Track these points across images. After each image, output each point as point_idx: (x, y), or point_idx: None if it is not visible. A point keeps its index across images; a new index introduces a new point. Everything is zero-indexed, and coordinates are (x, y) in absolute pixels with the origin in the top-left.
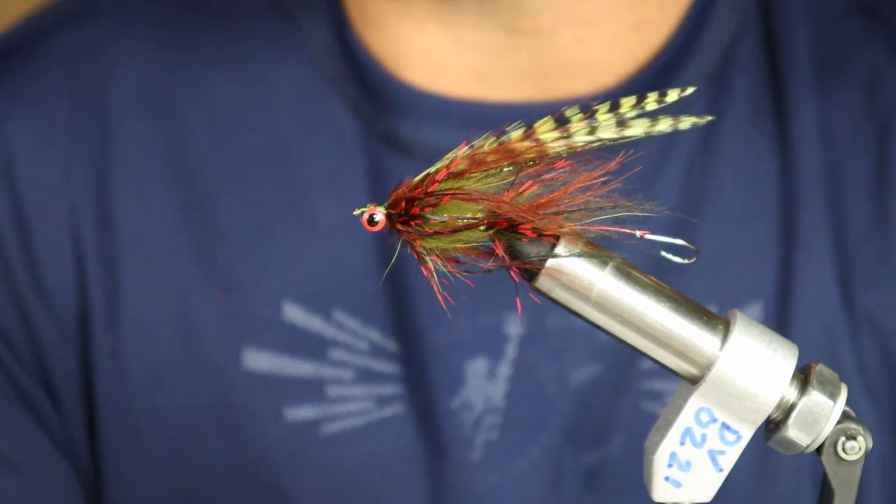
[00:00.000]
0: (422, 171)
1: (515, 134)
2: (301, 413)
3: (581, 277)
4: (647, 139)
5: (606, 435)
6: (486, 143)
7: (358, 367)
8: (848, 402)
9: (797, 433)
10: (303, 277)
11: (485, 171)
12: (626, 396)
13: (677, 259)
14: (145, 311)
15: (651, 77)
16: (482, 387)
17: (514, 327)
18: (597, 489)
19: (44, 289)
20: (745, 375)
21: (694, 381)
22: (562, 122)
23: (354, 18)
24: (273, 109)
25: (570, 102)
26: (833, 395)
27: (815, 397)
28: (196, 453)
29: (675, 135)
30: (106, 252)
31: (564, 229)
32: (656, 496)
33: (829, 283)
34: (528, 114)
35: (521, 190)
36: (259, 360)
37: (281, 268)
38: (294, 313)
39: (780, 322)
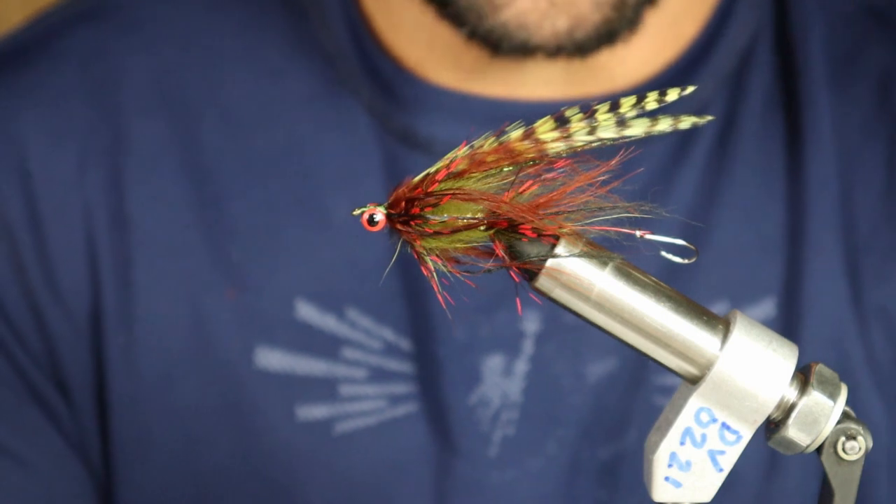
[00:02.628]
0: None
1: (515, 134)
2: (314, 412)
3: (581, 277)
4: (664, 139)
5: (621, 429)
6: (486, 143)
7: (371, 365)
8: (857, 397)
9: (797, 433)
10: (316, 276)
11: (485, 171)
12: (640, 391)
13: (678, 259)
14: (158, 309)
15: (670, 79)
16: (499, 383)
17: (530, 324)
18: (610, 483)
19: (57, 286)
20: (745, 375)
21: (694, 381)
22: (562, 121)
23: (378, 22)
24: (286, 108)
25: (591, 99)
26: (833, 395)
27: (815, 397)
28: (207, 452)
29: (691, 135)
30: (119, 250)
31: (564, 229)
32: (656, 496)
33: (838, 278)
34: (549, 111)
35: (521, 190)
36: (272, 359)
37: (294, 266)
38: (307, 312)
39: (790, 318)
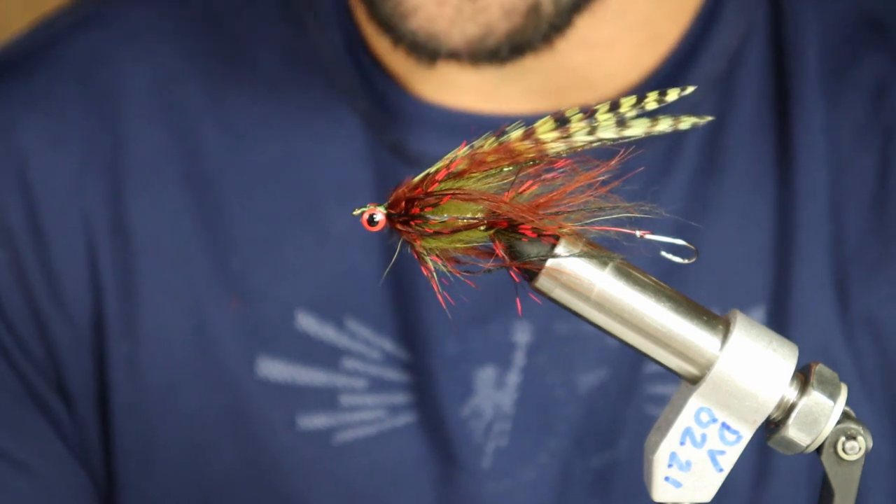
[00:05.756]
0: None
1: (515, 134)
2: (314, 421)
3: (581, 277)
4: (653, 142)
5: (613, 439)
6: (486, 144)
7: (370, 376)
8: (847, 405)
9: (797, 433)
10: (315, 286)
11: (485, 171)
12: (632, 401)
13: (678, 259)
14: (160, 318)
15: (657, 84)
16: (491, 395)
17: (522, 335)
18: (603, 492)
19: (59, 294)
20: (745, 375)
21: (694, 381)
22: (562, 122)
23: (367, 29)
24: (285, 118)
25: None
26: (833, 395)
27: (815, 397)
28: (209, 460)
29: (681, 138)
30: (121, 258)
31: (564, 229)
32: (656, 496)
33: (826, 287)
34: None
35: (521, 190)
36: (273, 369)
37: (294, 277)
38: (307, 322)
39: (779, 327)
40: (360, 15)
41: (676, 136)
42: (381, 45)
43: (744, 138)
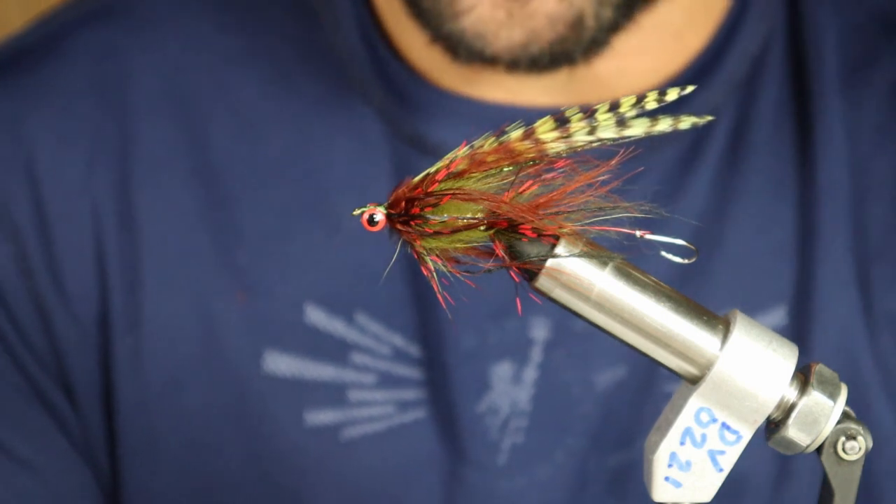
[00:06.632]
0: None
1: (515, 134)
2: (322, 417)
3: (581, 277)
4: (676, 142)
5: (630, 438)
6: (486, 143)
7: (380, 371)
8: (867, 405)
9: (797, 433)
10: (325, 280)
11: (485, 171)
12: (649, 399)
13: (678, 259)
14: (166, 313)
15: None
16: (508, 391)
17: (540, 331)
18: (619, 492)
19: (64, 289)
20: (745, 375)
21: (694, 381)
22: (562, 122)
23: (388, 20)
24: (296, 111)
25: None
26: (833, 395)
27: (815, 397)
28: (215, 456)
29: (703, 139)
30: (127, 252)
31: (564, 229)
32: (656, 496)
33: (849, 286)
34: None
35: (521, 190)
36: (280, 363)
37: (303, 270)
38: (316, 316)
39: (801, 326)
40: (385, 7)
41: (698, 137)
42: (405, 38)
43: (765, 139)
